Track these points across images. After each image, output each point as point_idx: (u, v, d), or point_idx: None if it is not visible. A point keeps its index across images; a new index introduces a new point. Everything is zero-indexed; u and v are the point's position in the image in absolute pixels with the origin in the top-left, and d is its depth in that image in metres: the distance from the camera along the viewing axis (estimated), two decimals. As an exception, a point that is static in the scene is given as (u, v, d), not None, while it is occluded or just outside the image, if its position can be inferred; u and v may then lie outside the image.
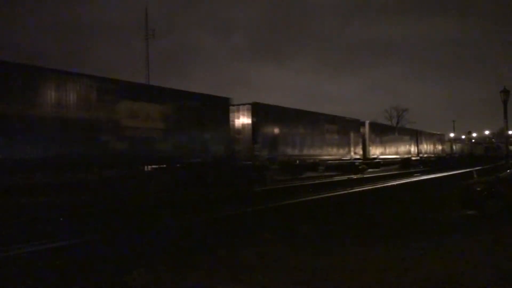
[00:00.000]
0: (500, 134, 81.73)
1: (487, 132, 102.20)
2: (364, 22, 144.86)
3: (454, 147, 62.73)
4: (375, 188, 21.94)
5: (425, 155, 47.66)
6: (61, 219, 11.22)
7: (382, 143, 37.02)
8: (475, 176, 20.04)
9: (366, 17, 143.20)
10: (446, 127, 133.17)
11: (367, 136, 34.39)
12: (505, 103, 22.83)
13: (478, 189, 11.74)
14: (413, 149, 44.38)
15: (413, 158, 44.07)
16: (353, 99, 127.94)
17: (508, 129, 25.48)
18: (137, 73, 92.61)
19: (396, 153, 40.06)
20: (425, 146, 47.73)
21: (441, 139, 55.44)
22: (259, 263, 6.83)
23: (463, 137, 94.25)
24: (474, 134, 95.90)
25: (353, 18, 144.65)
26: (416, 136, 45.78)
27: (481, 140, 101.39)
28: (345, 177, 27.79)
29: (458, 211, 12.09)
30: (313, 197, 17.11)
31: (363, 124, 34.40)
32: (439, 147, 53.22)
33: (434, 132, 54.70)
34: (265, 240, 8.61)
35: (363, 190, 20.51)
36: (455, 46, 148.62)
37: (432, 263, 6.67)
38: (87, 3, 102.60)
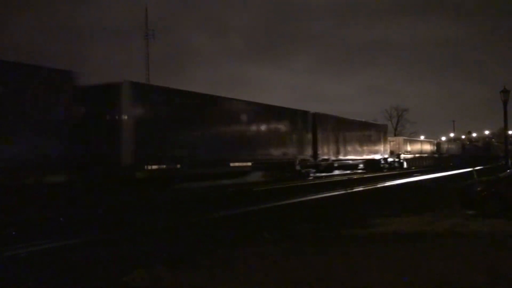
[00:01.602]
0: (500, 134, 78.94)
1: (487, 132, 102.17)
2: (361, 22, 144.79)
3: (408, 146, 45.94)
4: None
5: (337, 157, 28.82)
6: (61, 219, 11.23)
7: (194, 133, 17.79)
8: (475, 176, 20.02)
9: (363, 18, 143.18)
10: (446, 127, 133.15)
11: (123, 118, 15.01)
12: (505, 103, 22.83)
13: (478, 189, 11.74)
14: (298, 147, 24.59)
15: (300, 161, 24.61)
16: (352, 99, 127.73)
17: (508, 129, 25.49)
18: (137, 73, 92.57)
19: (252, 157, 20.58)
20: (335, 142, 28.86)
21: (380, 133, 36.80)
22: (259, 263, 6.83)
23: (463, 137, 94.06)
24: (474, 134, 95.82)
25: (350, 18, 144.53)
26: (310, 124, 26.07)
27: (480, 138, 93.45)
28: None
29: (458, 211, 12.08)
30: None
31: (115, 88, 15.12)
32: (377, 147, 35.57)
33: (362, 120, 36.51)
34: (265, 240, 8.61)
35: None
36: (454, 46, 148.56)
37: (431, 264, 6.67)
38: (87, 3, 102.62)
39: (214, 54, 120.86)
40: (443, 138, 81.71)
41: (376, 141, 35.89)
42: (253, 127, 21.54)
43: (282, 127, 23.86)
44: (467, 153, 64.84)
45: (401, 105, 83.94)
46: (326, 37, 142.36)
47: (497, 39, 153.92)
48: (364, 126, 35.23)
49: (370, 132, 35.18)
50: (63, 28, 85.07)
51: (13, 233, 9.44)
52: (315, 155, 26.53)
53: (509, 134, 29.08)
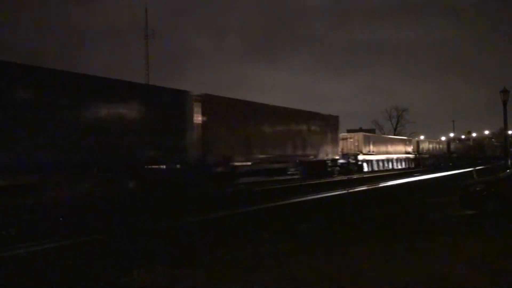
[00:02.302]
0: (500, 134, 77.91)
1: (487, 132, 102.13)
2: (358, 23, 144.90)
3: (371, 145, 36.63)
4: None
5: (248, 160, 20.52)
6: (61, 219, 11.23)
7: None
8: (475, 176, 20.02)
9: (360, 18, 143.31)
10: (446, 127, 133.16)
11: None
12: (505, 103, 22.82)
13: (478, 189, 11.74)
14: (167, 145, 16.27)
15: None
16: (351, 99, 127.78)
17: (508, 129, 25.50)
18: (136, 73, 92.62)
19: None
20: (244, 138, 20.53)
21: (326, 127, 28.17)
22: (259, 263, 6.83)
23: (463, 137, 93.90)
24: (474, 134, 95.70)
25: (347, 19, 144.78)
26: (192, 111, 17.32)
27: (472, 138, 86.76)
28: None
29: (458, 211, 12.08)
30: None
31: None
32: (322, 145, 27.36)
33: (295, 108, 26.48)
34: (264, 240, 8.61)
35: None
36: (454, 47, 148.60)
37: (431, 263, 6.67)
38: (87, 3, 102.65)
39: (213, 55, 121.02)
40: (443, 138, 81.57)
41: (321, 138, 27.08)
42: (44, 113, 12.80)
43: (128, 114, 14.95)
44: (454, 153, 57.98)
45: (400, 105, 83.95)
46: (325, 37, 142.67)
47: (497, 39, 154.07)
48: (299, 116, 25.70)
49: (309, 125, 26.16)
50: (63, 28, 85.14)
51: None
52: (203, 157, 17.71)
53: (509, 134, 29.09)
